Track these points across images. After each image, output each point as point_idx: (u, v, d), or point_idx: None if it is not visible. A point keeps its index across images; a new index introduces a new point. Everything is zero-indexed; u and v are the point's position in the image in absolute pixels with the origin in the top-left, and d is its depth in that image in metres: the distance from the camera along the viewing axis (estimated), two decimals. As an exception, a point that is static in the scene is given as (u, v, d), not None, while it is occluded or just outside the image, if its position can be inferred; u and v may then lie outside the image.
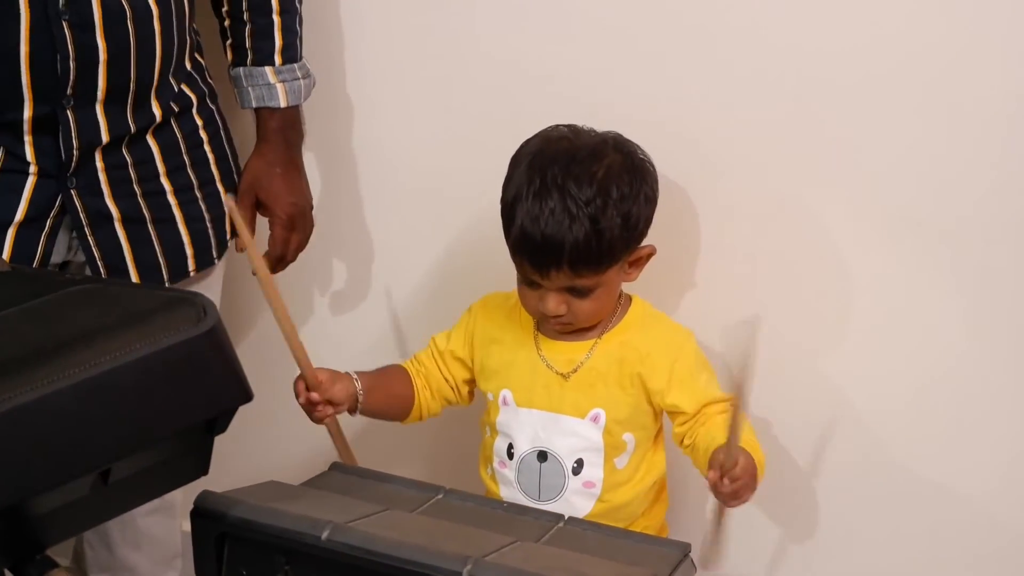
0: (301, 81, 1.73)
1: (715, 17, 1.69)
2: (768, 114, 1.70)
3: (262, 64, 1.71)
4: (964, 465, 1.75)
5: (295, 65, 1.73)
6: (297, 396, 1.61)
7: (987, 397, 1.72)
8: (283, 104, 1.72)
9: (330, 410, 1.62)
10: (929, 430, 1.75)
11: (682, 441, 1.63)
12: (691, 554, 1.43)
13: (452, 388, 1.74)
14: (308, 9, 1.77)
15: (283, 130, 1.73)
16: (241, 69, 1.72)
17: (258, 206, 1.75)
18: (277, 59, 1.71)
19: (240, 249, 1.76)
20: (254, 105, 1.73)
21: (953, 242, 1.67)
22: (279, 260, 1.77)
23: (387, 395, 1.70)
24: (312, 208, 1.79)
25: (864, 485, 1.80)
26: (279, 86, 1.71)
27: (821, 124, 1.68)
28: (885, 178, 1.67)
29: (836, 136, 1.68)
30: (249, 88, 1.72)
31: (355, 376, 1.66)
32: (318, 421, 1.63)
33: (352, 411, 1.66)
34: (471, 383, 1.74)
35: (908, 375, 1.74)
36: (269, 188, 1.73)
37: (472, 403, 1.77)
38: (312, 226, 1.79)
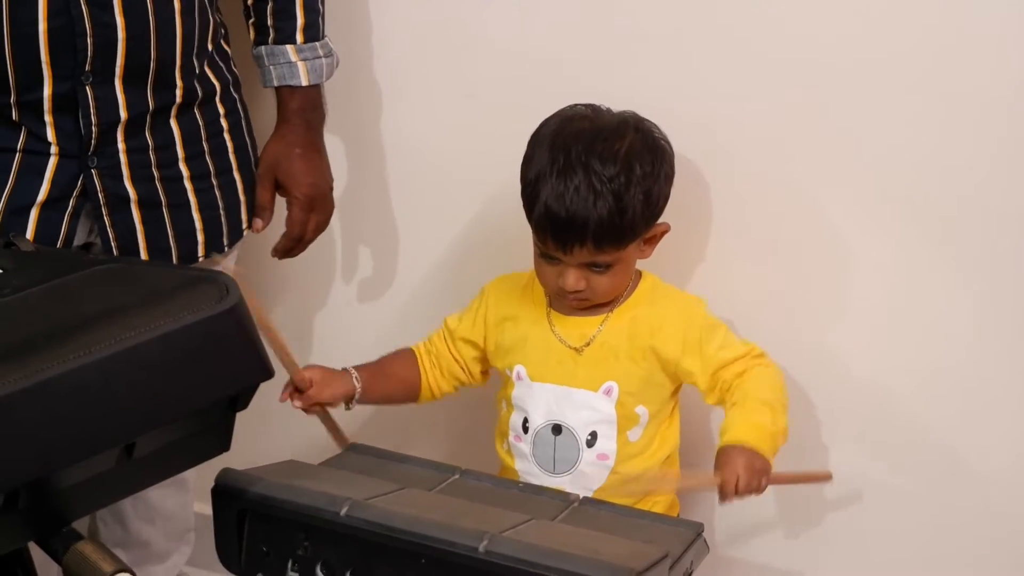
0: (323, 60, 1.73)
1: (727, 5, 1.71)
2: (777, 101, 1.71)
3: (283, 42, 1.70)
4: (971, 452, 1.75)
5: (317, 44, 1.72)
6: (284, 399, 1.66)
7: (993, 384, 1.72)
8: (304, 83, 1.71)
9: (318, 407, 1.67)
10: (935, 417, 1.76)
11: (717, 404, 1.66)
12: (703, 534, 1.45)
13: (462, 368, 1.76)
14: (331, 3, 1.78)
15: (303, 111, 1.73)
16: (263, 48, 1.72)
17: (277, 187, 1.76)
18: (299, 37, 1.70)
19: (256, 230, 1.77)
20: (275, 84, 1.72)
21: (956, 228, 1.68)
22: (297, 241, 1.77)
23: (389, 384, 1.74)
24: (332, 190, 1.79)
25: (870, 470, 1.81)
26: (300, 64, 1.70)
27: (829, 111, 1.69)
28: (890, 165, 1.68)
29: (843, 123, 1.69)
30: (271, 67, 1.72)
31: (355, 375, 1.68)
32: (307, 413, 1.68)
33: (348, 406, 1.70)
34: (483, 363, 1.76)
35: (913, 361, 1.75)
36: (288, 169, 1.74)
37: (487, 383, 1.78)
38: (332, 208, 1.80)
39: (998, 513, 1.76)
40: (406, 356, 1.76)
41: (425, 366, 1.75)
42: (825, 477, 1.69)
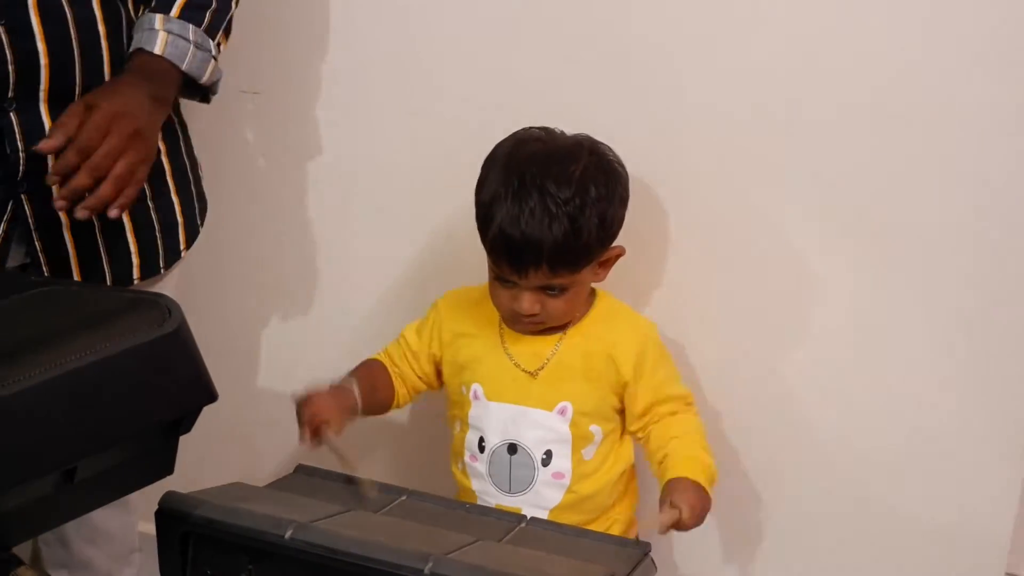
0: (191, 46, 1.56)
1: (680, 27, 1.72)
2: (732, 123, 1.72)
3: (156, 11, 1.56)
4: (925, 479, 1.77)
5: (192, 27, 1.56)
6: (302, 428, 1.59)
7: (947, 407, 1.74)
8: (157, 50, 1.53)
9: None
10: (889, 440, 1.77)
11: (635, 432, 1.68)
12: (651, 554, 1.45)
13: (426, 383, 1.76)
14: (279, 17, 1.75)
15: (146, 69, 1.53)
16: (140, 17, 1.58)
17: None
18: (174, 10, 1.56)
19: (40, 149, 1.43)
20: (130, 48, 1.55)
21: (910, 246, 1.69)
22: (76, 152, 1.43)
23: (377, 400, 1.72)
24: (142, 120, 1.49)
25: (827, 492, 1.82)
26: (161, 33, 1.54)
27: (785, 133, 1.70)
28: (848, 187, 1.69)
29: (800, 145, 1.70)
30: (135, 34, 1.56)
31: (356, 393, 1.65)
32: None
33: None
34: (442, 374, 1.76)
35: (869, 385, 1.76)
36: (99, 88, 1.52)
37: (441, 388, 1.78)
38: (149, 148, 1.51)
39: (947, 537, 1.78)
40: (383, 371, 1.75)
41: (395, 384, 1.75)
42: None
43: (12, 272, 1.56)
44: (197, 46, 1.57)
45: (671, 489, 1.57)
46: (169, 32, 1.54)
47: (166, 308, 1.20)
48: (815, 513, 1.84)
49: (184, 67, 1.56)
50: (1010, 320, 1.68)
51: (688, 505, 1.54)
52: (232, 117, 1.91)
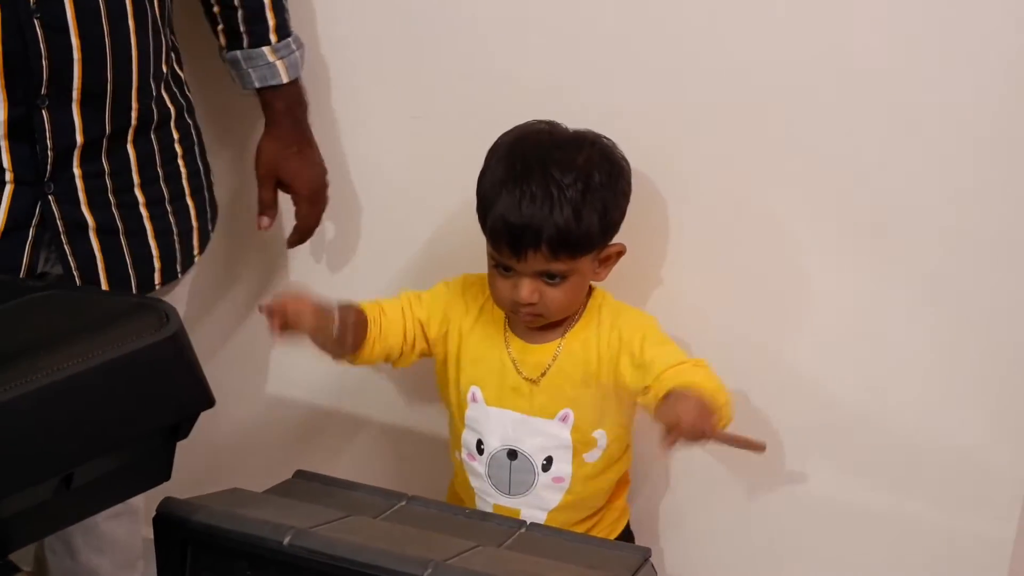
0: (297, 53, 1.77)
1: (682, 24, 1.71)
2: (732, 118, 1.71)
3: (258, 45, 1.73)
4: (924, 479, 1.77)
5: (289, 39, 1.76)
6: (272, 314, 1.55)
7: (942, 402, 1.73)
8: (285, 80, 1.75)
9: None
10: (892, 431, 1.77)
11: (648, 403, 1.61)
12: (650, 559, 1.45)
13: (402, 348, 1.69)
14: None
15: (290, 109, 1.78)
16: (239, 52, 1.74)
17: (279, 185, 1.82)
18: (273, 38, 1.74)
19: (263, 227, 1.83)
20: (257, 86, 1.75)
21: (909, 246, 1.69)
22: (307, 232, 1.85)
23: (347, 341, 1.64)
24: (326, 174, 1.85)
25: (825, 490, 1.82)
26: (279, 63, 1.74)
27: (787, 129, 1.69)
28: (850, 186, 1.69)
29: (802, 141, 1.69)
30: (250, 70, 1.74)
31: (336, 327, 1.60)
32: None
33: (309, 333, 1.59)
34: (422, 348, 1.71)
35: (871, 379, 1.75)
36: (288, 169, 1.80)
37: (411, 366, 1.75)
38: (327, 194, 1.86)
39: (950, 537, 1.77)
40: (364, 321, 1.67)
41: (371, 336, 1.67)
42: (760, 447, 1.59)
43: (10, 276, 1.55)
44: (298, 48, 1.78)
45: (664, 403, 1.49)
46: (282, 58, 1.75)
47: (163, 313, 1.20)
48: (815, 515, 1.83)
49: (302, 71, 1.79)
50: (1014, 321, 1.67)
51: (682, 409, 1.44)
52: (236, 120, 1.91)
